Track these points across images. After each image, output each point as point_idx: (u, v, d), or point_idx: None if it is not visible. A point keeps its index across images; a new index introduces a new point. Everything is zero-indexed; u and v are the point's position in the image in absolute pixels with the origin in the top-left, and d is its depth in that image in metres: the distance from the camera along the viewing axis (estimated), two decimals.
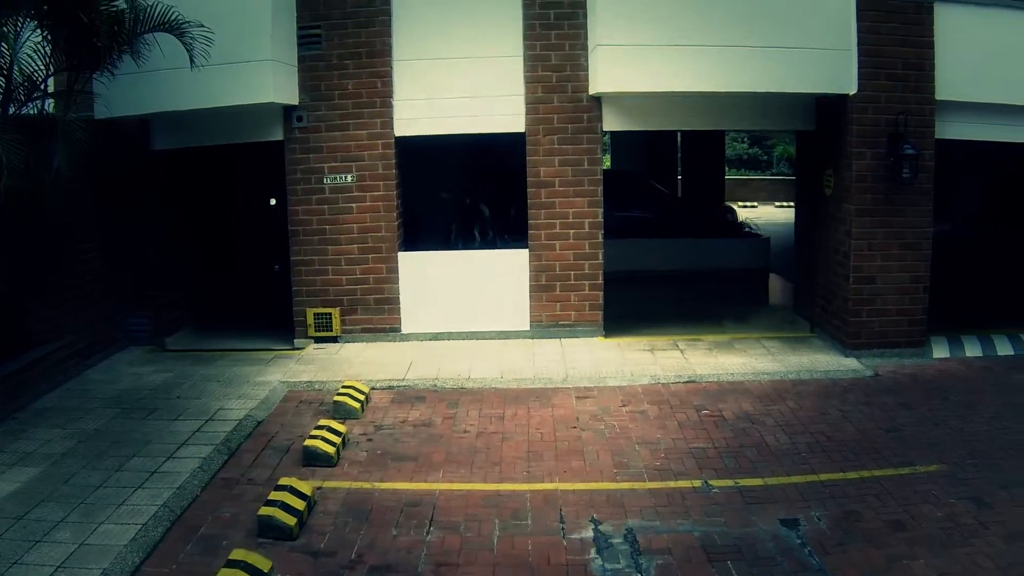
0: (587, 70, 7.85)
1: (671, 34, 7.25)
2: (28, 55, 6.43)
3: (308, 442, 5.72)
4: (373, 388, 6.93)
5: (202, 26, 6.52)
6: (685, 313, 9.30)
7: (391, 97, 7.92)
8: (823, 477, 5.29)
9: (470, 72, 7.88)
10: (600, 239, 7.95)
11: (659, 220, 11.02)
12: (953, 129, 7.75)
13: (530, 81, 7.88)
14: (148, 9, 6.39)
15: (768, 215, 19.35)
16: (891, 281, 7.53)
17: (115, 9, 6.34)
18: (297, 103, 7.93)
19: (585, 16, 7.84)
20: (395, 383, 7.06)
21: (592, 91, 7.76)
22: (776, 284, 10.81)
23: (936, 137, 7.67)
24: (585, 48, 7.85)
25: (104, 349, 8.01)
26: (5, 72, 5.88)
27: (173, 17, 6.36)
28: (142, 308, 8.31)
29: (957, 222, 13.78)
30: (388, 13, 7.91)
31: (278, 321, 8.36)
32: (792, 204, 11.64)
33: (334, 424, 6.02)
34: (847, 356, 7.52)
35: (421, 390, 6.99)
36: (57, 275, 7.35)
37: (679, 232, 10.84)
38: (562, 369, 7.25)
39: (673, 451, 5.74)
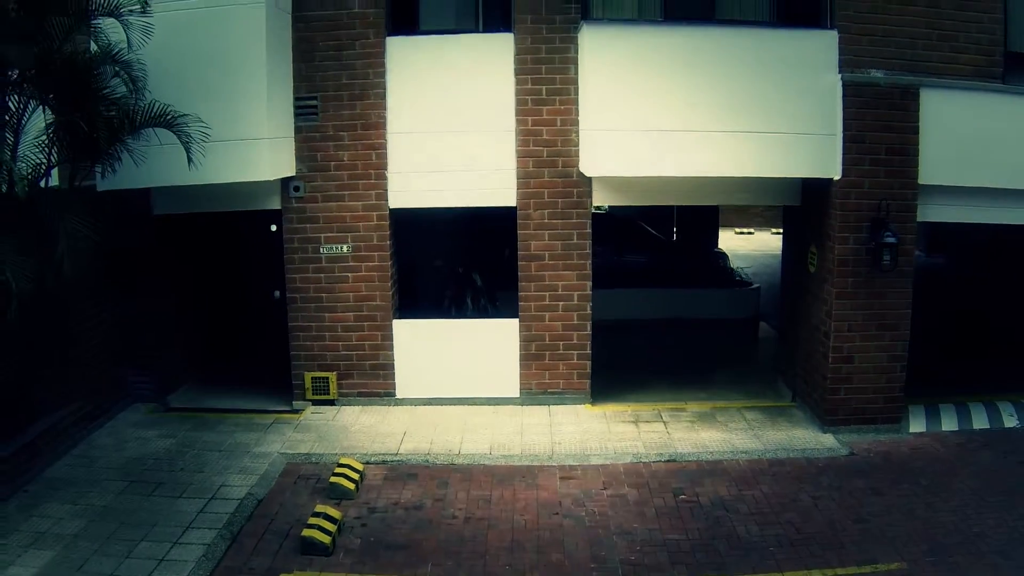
0: (578, 146, 8.21)
1: (658, 120, 7.57)
2: (30, 149, 6.86)
3: (305, 531, 6.19)
4: (368, 463, 7.41)
5: (199, 120, 6.91)
6: (673, 370, 9.73)
7: (385, 169, 8.30)
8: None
9: (463, 146, 8.24)
10: (588, 311, 8.36)
11: (651, 266, 11.41)
12: (936, 212, 8.11)
13: (522, 156, 8.24)
14: (146, 107, 6.80)
15: (763, 244, 19.69)
16: (869, 360, 7.94)
17: (113, 110, 6.76)
18: (294, 173, 8.33)
19: (577, 92, 8.16)
20: (389, 457, 7.54)
21: (582, 171, 8.11)
22: (764, 335, 11.15)
23: (919, 220, 8.07)
24: (576, 124, 8.19)
25: (109, 409, 8.49)
26: (7, 169, 6.27)
27: (170, 115, 6.76)
28: (145, 367, 8.77)
29: (951, 255, 14.19)
30: (382, 86, 8.25)
31: (278, 363, 8.80)
32: None
33: (330, 510, 6.48)
34: (824, 432, 7.97)
35: (413, 466, 7.47)
36: (63, 345, 7.78)
37: (670, 281, 11.22)
38: (548, 443, 7.73)
39: (648, 544, 6.21)
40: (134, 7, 6.76)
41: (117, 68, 7.11)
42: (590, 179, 8.22)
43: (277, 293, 8.81)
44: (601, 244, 8.82)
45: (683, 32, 7.65)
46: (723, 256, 12.87)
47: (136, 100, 7.11)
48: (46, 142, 6.49)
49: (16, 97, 6.35)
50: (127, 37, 6.85)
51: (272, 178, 7.85)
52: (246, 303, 9.80)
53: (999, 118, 8.03)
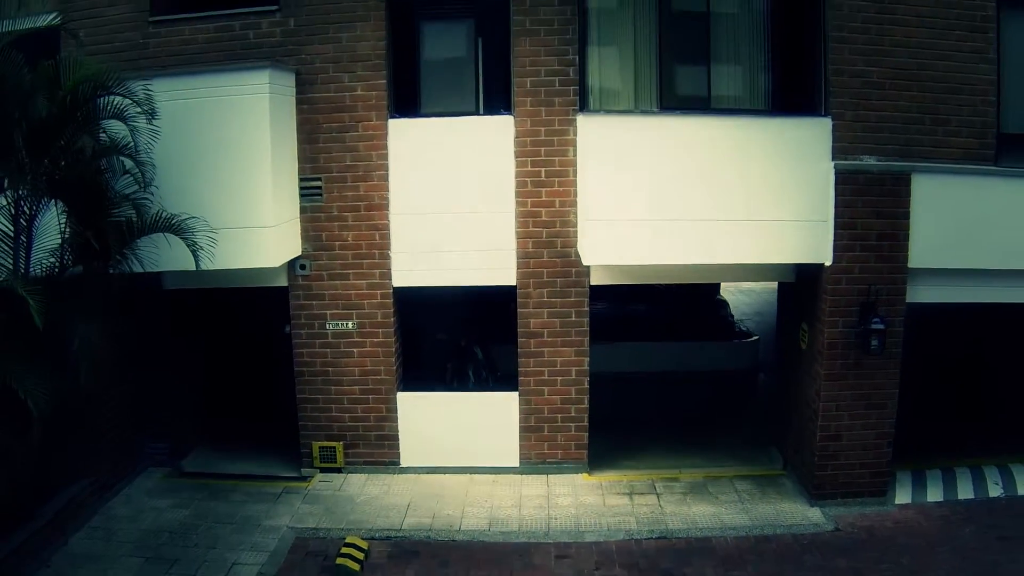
0: (576, 227, 8.53)
1: (655, 209, 7.86)
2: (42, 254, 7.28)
3: None
4: (372, 539, 7.86)
5: (206, 224, 7.27)
6: (670, 429, 10.12)
7: (389, 249, 8.64)
8: None
9: (464, 226, 8.55)
10: (586, 386, 8.72)
11: (651, 315, 11.74)
12: (925, 293, 8.38)
13: (521, 237, 8.55)
14: (153, 216, 7.19)
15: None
16: (857, 438, 8.28)
17: (123, 217, 7.16)
18: (300, 253, 8.70)
19: (575, 174, 8.46)
20: (392, 533, 7.98)
21: (580, 258, 8.37)
22: (763, 388, 11.38)
23: (908, 301, 8.36)
24: (575, 205, 8.49)
25: (125, 475, 9.01)
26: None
27: (176, 222, 7.13)
28: (160, 433, 9.25)
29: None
30: (385, 168, 8.57)
31: (286, 424, 9.22)
32: None
33: None
34: (812, 505, 8.34)
35: (416, 542, 7.90)
36: (83, 421, 8.23)
37: (670, 334, 11.56)
38: (545, 518, 8.15)
39: None
40: (140, 112, 7.13)
41: (125, 165, 7.53)
42: None
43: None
44: (602, 296, 9.08)
45: (678, 122, 7.91)
46: (724, 305, 13.14)
47: (143, 194, 7.52)
48: (58, 250, 6.90)
49: (27, 207, 6.76)
50: (134, 141, 7.24)
51: (278, 264, 8.22)
52: (256, 367, 10.19)
53: (990, 200, 8.27)
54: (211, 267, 7.68)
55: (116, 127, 7.39)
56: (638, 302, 12.09)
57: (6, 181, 6.61)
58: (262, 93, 7.96)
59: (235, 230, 7.96)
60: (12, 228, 6.90)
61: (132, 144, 7.33)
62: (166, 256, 7.70)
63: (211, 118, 8.02)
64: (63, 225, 7.31)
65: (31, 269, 7.15)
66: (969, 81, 8.23)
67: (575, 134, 8.38)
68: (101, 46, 8.92)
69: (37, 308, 5.61)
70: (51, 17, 7.75)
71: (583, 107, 8.12)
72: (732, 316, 13.11)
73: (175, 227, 7.04)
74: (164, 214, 7.11)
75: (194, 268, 7.65)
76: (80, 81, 6.67)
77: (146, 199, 7.52)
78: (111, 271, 6.81)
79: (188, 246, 7.07)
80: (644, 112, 7.92)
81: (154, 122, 7.27)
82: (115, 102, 7.18)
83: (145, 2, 8.80)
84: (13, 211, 6.73)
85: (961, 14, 8.22)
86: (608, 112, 7.96)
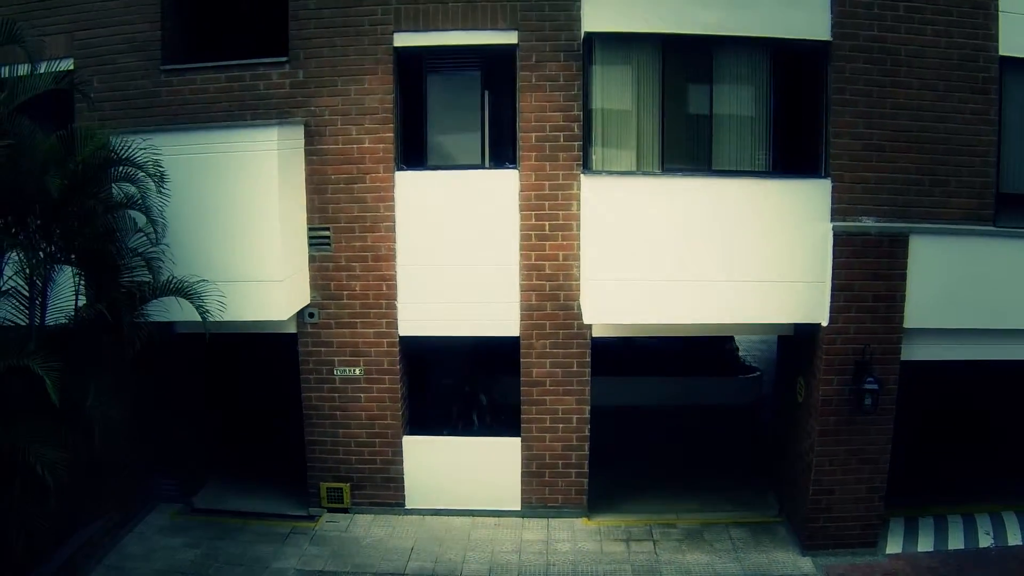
0: (579, 279, 8.76)
1: (657, 269, 8.08)
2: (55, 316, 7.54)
3: None
4: None
5: (217, 288, 7.59)
6: (671, 468, 10.35)
7: (395, 299, 8.89)
8: None
9: (469, 278, 8.79)
10: (587, 433, 8.99)
11: (654, 351, 11.97)
12: (921, 351, 8.56)
13: (525, 289, 8.78)
14: (164, 283, 7.47)
15: None
16: (849, 492, 8.53)
17: (134, 281, 7.45)
18: (309, 302, 8.96)
19: (579, 228, 8.68)
20: None
21: (582, 315, 8.54)
22: (765, 424, 11.39)
23: (903, 359, 8.57)
24: (578, 259, 8.71)
25: (137, 512, 9.33)
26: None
27: (187, 288, 7.42)
28: (171, 471, 9.58)
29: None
30: (392, 219, 8.80)
31: (295, 460, 9.49)
32: None
33: None
34: (803, 555, 8.60)
35: None
36: (97, 470, 8.48)
37: (674, 369, 11.79)
38: (543, 565, 8.44)
39: None
40: (151, 179, 7.40)
41: (137, 223, 7.81)
42: None
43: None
44: None
45: (679, 183, 8.09)
46: (729, 338, 13.33)
47: (155, 250, 7.78)
48: (72, 316, 7.21)
49: (39, 276, 7.04)
50: (145, 203, 7.51)
51: (287, 317, 8.47)
52: (266, 404, 10.50)
53: (988, 261, 8.43)
54: (221, 319, 8.03)
55: (128, 186, 7.71)
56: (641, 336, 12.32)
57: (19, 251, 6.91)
58: (271, 150, 8.19)
59: (245, 283, 8.22)
60: (28, 290, 7.19)
61: (143, 202, 7.64)
62: (176, 311, 7.97)
63: (221, 173, 8.25)
64: (78, 284, 7.62)
65: (46, 321, 7.47)
66: (970, 142, 8.38)
67: (579, 188, 8.60)
68: (114, 93, 9.19)
69: (53, 386, 5.90)
70: (64, 75, 7.99)
71: (586, 166, 8.29)
72: (737, 349, 13.32)
73: (185, 291, 7.32)
74: (174, 280, 7.40)
75: (199, 319, 8.01)
76: (91, 153, 6.91)
77: (158, 256, 7.83)
78: (123, 334, 7.11)
79: (197, 308, 7.36)
80: (646, 174, 8.07)
81: (165, 178, 7.56)
82: (125, 168, 7.47)
83: (156, 52, 9.02)
84: (28, 275, 7.01)
85: (964, 75, 8.34)
86: (610, 173, 8.10)
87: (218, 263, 8.17)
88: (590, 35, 8.14)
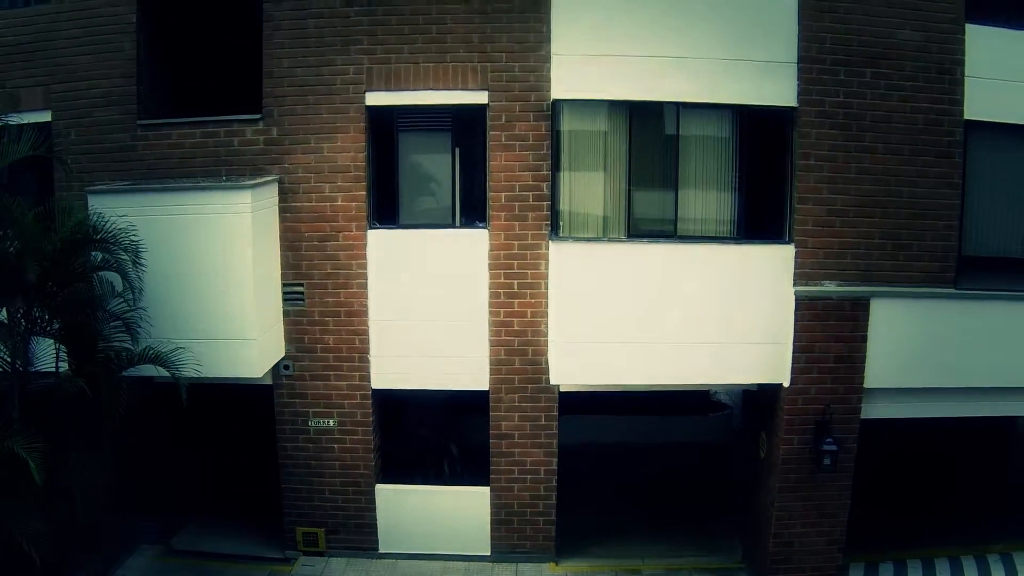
0: (547, 336, 8.96)
1: (623, 332, 8.35)
2: None
3: None
4: None
5: (191, 353, 7.79)
6: (638, 511, 10.57)
7: (368, 353, 9.13)
8: None
9: (440, 334, 8.99)
10: (554, 484, 9.23)
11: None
12: (881, 410, 8.85)
13: (494, 345, 9.00)
14: (141, 352, 7.71)
15: None
16: (808, 545, 8.84)
17: (115, 349, 7.71)
18: (284, 355, 9.21)
19: (547, 286, 8.88)
20: None
21: (550, 376, 8.75)
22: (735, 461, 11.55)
23: (864, 417, 8.81)
24: (546, 316, 8.90)
25: (118, 556, 9.63)
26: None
27: (163, 357, 7.64)
28: (151, 513, 9.88)
29: None
30: (364, 276, 8.99)
31: (272, 501, 9.81)
32: None
33: None
34: None
35: None
36: (81, 523, 8.74)
37: (642, 406, 12.03)
38: None
39: None
40: (127, 253, 7.65)
41: (115, 288, 8.04)
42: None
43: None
44: None
45: (645, 249, 8.31)
46: None
47: (133, 312, 8.04)
48: (54, 386, 7.43)
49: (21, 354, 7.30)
50: (124, 275, 7.74)
51: (260, 375, 8.70)
52: (243, 449, 10.62)
53: (948, 321, 8.66)
54: (198, 376, 8.29)
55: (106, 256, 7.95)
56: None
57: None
58: (244, 213, 8.36)
59: (220, 341, 8.47)
60: (9, 363, 7.46)
61: (120, 269, 7.88)
62: (153, 369, 8.26)
63: (195, 233, 8.42)
64: (59, 349, 7.88)
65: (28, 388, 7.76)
66: (933, 206, 8.55)
67: (547, 248, 8.79)
68: (92, 146, 9.37)
69: (37, 468, 6.19)
70: (42, 140, 8.17)
71: (554, 231, 8.50)
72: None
73: (162, 360, 7.57)
74: (151, 350, 7.65)
75: (178, 376, 8.22)
76: (70, 233, 7.15)
77: (135, 319, 8.08)
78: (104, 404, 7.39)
79: (173, 375, 7.62)
80: (612, 240, 8.31)
81: (141, 253, 7.80)
82: (105, 234, 7.69)
83: (133, 106, 9.17)
84: (10, 350, 7.28)
85: (929, 140, 8.50)
86: (577, 240, 8.32)
87: (194, 322, 8.40)
88: (558, 101, 8.34)
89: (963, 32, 8.49)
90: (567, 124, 8.41)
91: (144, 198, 8.51)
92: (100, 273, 8.16)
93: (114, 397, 7.12)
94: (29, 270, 6.63)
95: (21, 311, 7.04)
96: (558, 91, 8.33)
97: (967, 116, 8.51)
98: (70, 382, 6.91)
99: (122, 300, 8.04)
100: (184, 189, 8.56)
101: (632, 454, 11.72)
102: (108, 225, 7.61)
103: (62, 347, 7.92)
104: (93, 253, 7.88)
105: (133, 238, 7.65)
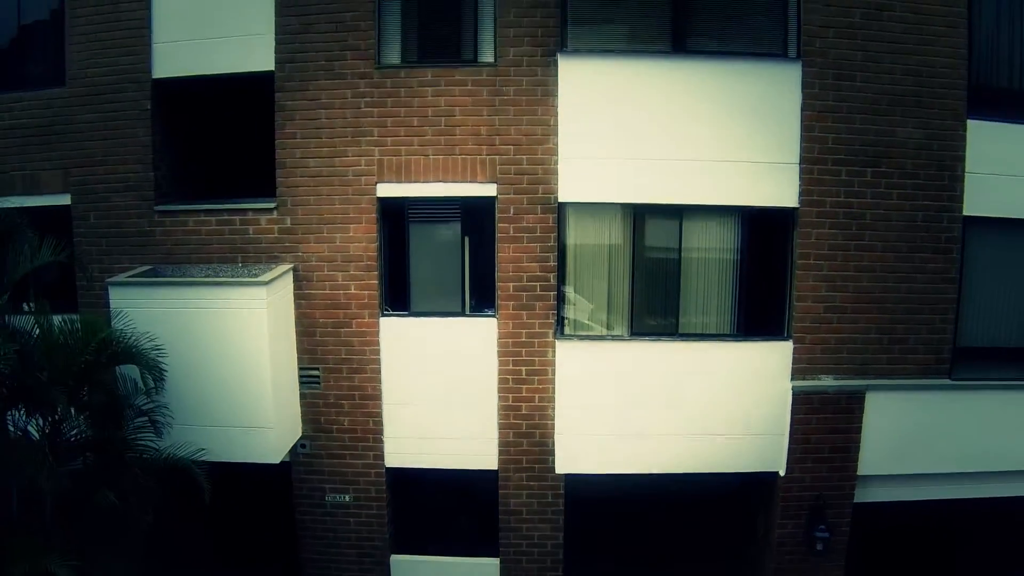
0: (553, 420, 9.36)
1: (623, 425, 8.83)
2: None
3: None
4: None
5: (212, 452, 8.29)
6: (649, 563, 10.81)
7: (381, 434, 9.59)
8: None
9: (450, 417, 9.42)
10: (560, 557, 9.76)
11: None
12: (875, 494, 9.32)
13: (503, 428, 9.43)
14: (163, 457, 8.13)
15: None
16: None
17: (140, 449, 8.16)
18: (300, 435, 9.71)
19: (553, 372, 9.24)
20: None
21: (556, 467, 9.22)
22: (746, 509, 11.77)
23: (857, 501, 9.27)
24: (553, 400, 9.24)
25: None
26: None
27: (184, 463, 8.09)
28: None
29: None
30: (378, 362, 9.42)
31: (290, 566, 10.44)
32: None
33: None
34: None
35: None
36: None
37: None
38: None
39: None
40: (150, 373, 8.09)
41: (140, 386, 8.50)
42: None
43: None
44: None
45: (647, 346, 8.75)
46: None
47: (156, 407, 8.52)
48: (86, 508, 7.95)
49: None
50: (145, 384, 8.19)
51: (278, 460, 9.16)
52: (260, 518, 10.89)
53: (942, 411, 9.07)
54: (217, 459, 8.70)
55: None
56: None
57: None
58: (260, 308, 8.76)
59: (239, 428, 8.95)
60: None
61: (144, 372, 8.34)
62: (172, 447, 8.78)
63: (214, 325, 8.82)
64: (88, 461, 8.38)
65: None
66: (930, 300, 8.90)
67: (554, 336, 9.21)
68: (110, 230, 9.77)
69: None
70: (63, 246, 8.56)
71: (559, 328, 8.92)
72: None
73: (183, 466, 8.05)
74: (175, 457, 8.11)
75: (198, 459, 8.76)
76: (95, 351, 7.59)
77: (159, 413, 8.57)
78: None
79: (196, 477, 8.12)
80: (615, 338, 8.75)
81: (164, 374, 8.23)
82: (129, 347, 8.14)
83: (150, 192, 9.55)
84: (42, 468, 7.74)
85: (927, 236, 8.82)
86: (581, 338, 8.77)
87: (214, 410, 8.85)
88: (564, 204, 8.68)
89: (964, 128, 8.79)
90: (572, 224, 8.80)
91: (163, 291, 8.92)
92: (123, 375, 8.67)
93: (143, 507, 7.63)
94: (58, 401, 7.10)
95: (48, 429, 7.54)
96: (564, 192, 8.67)
97: (966, 212, 8.83)
98: (101, 496, 7.41)
99: (147, 398, 8.54)
100: (202, 284, 8.94)
101: (642, 505, 12.14)
102: (131, 340, 8.03)
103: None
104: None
105: (156, 348, 8.08)
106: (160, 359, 8.19)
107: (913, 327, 8.89)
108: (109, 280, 9.07)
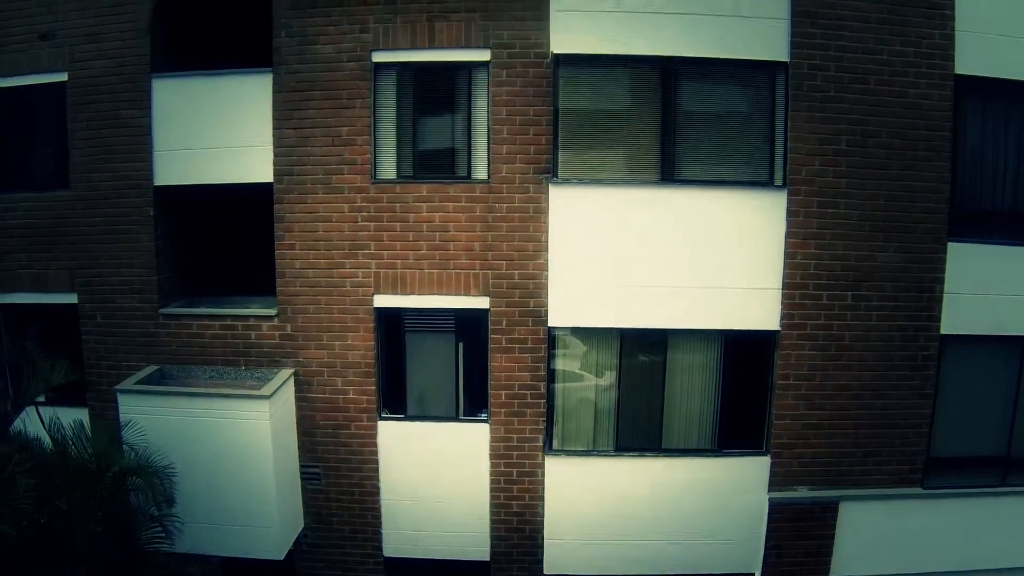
0: (542, 517, 9.97)
1: (607, 535, 9.47)
2: None
3: None
4: None
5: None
6: None
7: (380, 527, 10.18)
8: None
9: (445, 514, 10.02)
10: None
11: None
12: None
13: (495, 523, 10.00)
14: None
15: None
16: None
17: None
18: (302, 527, 10.37)
19: (543, 474, 9.84)
20: None
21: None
22: None
23: None
24: (542, 499, 9.87)
25: None
26: None
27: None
28: None
29: None
30: (375, 461, 9.99)
31: None
32: None
33: None
34: None
35: None
36: None
37: None
38: None
39: None
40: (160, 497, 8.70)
41: (155, 497, 9.14)
42: None
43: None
44: None
45: (631, 462, 9.32)
46: None
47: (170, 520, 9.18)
48: None
49: None
50: (155, 500, 8.78)
51: (282, 556, 9.80)
52: None
53: (913, 518, 9.69)
54: (225, 553, 9.49)
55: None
56: None
57: None
58: (264, 420, 9.34)
59: (245, 527, 9.66)
60: None
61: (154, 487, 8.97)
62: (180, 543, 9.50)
63: (219, 432, 9.41)
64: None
65: None
66: (905, 415, 9.44)
67: (543, 446, 9.78)
68: (117, 330, 10.30)
69: None
70: (74, 368, 9.12)
71: (547, 444, 9.50)
72: None
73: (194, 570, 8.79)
74: (185, 555, 8.82)
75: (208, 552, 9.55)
76: (112, 480, 8.18)
77: (171, 521, 9.22)
78: None
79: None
80: (601, 453, 9.33)
81: (174, 500, 8.83)
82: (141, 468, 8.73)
83: (154, 296, 10.05)
84: None
85: (904, 355, 9.34)
86: (569, 454, 9.35)
87: (221, 510, 9.48)
88: (553, 328, 9.18)
89: (945, 251, 9.20)
90: (561, 345, 9.32)
91: (170, 400, 9.48)
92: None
93: None
94: (80, 538, 7.73)
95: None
96: (554, 317, 9.17)
97: (943, 331, 9.30)
98: None
99: (158, 510, 9.18)
100: (207, 395, 9.52)
101: None
102: (145, 462, 8.62)
103: None
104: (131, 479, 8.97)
105: (168, 467, 8.69)
106: (171, 472, 8.82)
107: (888, 440, 9.44)
108: (118, 388, 9.61)
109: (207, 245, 10.92)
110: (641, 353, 9.23)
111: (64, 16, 10.09)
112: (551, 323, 9.16)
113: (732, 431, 9.43)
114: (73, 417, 9.35)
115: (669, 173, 8.90)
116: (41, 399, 9.23)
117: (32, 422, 9.31)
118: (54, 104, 10.28)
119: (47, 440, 8.86)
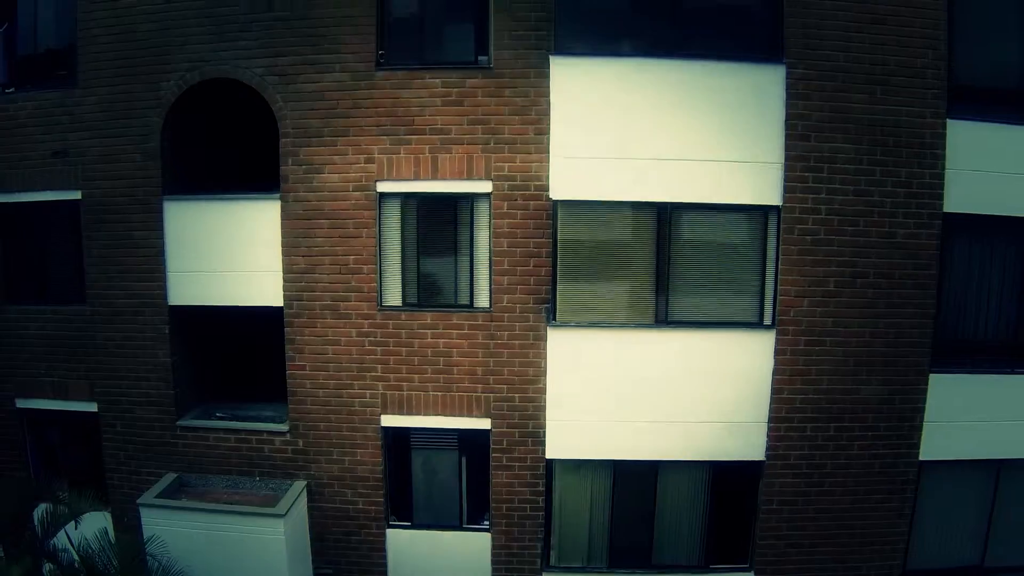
0: None
1: None
2: None
3: None
4: None
5: None
6: None
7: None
8: None
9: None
10: None
11: None
12: None
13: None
14: None
15: None
16: None
17: None
18: None
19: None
20: None
21: None
22: None
23: None
24: None
25: None
26: None
27: None
28: None
29: None
30: (384, 568, 10.79)
31: None
32: None
33: None
34: None
35: None
36: None
37: None
38: None
39: None
40: None
41: None
42: None
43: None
44: None
45: None
46: None
47: None
48: None
49: None
50: None
51: None
52: None
53: None
54: None
55: None
56: None
57: None
58: (279, 536, 10.13)
59: None
60: None
61: None
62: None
63: (237, 545, 10.16)
64: None
65: None
66: (883, 535, 10.13)
67: (540, 559, 10.49)
68: (136, 438, 11.00)
69: None
70: (100, 496, 9.88)
71: (543, 562, 10.24)
72: None
73: None
74: None
75: None
76: None
77: None
78: None
79: None
80: (594, 571, 10.10)
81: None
82: None
83: (171, 408, 10.74)
84: None
85: (884, 479, 9.97)
86: (564, 571, 10.14)
87: None
88: (551, 460, 9.85)
89: (927, 382, 9.79)
90: (559, 474, 10.02)
91: (191, 515, 10.25)
92: None
93: None
94: None
95: None
96: (551, 451, 9.81)
97: (922, 457, 9.94)
98: None
99: None
100: (226, 512, 10.23)
101: None
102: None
103: None
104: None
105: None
106: None
107: (867, 556, 10.14)
108: (141, 502, 10.33)
109: (222, 357, 11.57)
110: (634, 480, 9.92)
111: (76, 135, 10.63)
112: (549, 455, 9.84)
113: (719, 548, 10.15)
114: (96, 522, 10.24)
115: (663, 315, 9.45)
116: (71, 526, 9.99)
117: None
118: (70, 220, 10.86)
119: (75, 555, 9.73)
